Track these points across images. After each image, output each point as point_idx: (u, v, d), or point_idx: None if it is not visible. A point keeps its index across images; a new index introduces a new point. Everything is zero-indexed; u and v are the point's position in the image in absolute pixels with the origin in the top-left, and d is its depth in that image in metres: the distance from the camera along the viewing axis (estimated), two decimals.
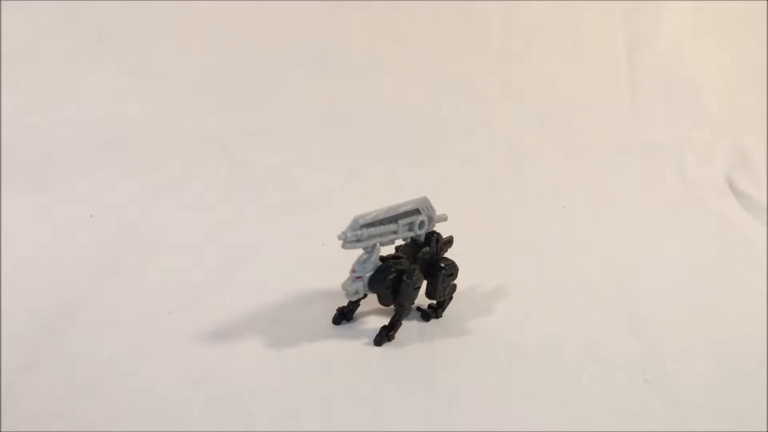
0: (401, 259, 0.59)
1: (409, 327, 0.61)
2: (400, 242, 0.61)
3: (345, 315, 0.61)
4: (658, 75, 1.12)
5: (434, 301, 0.63)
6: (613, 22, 1.13)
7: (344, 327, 0.61)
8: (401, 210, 0.58)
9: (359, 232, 0.54)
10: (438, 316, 0.63)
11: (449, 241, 0.65)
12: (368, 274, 0.57)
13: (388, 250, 0.61)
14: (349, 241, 0.54)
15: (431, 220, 0.61)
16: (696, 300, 0.68)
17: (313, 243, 0.76)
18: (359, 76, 1.10)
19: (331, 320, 0.61)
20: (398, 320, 0.59)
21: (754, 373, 0.56)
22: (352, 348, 0.58)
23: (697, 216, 0.93)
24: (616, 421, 0.49)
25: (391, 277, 0.58)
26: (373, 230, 0.56)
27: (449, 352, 0.58)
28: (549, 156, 1.06)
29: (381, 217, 0.56)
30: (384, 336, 0.58)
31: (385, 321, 0.60)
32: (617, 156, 1.07)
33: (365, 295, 0.59)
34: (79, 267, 0.72)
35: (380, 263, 0.58)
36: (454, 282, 0.63)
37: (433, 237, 0.62)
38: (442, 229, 0.63)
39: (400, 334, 0.59)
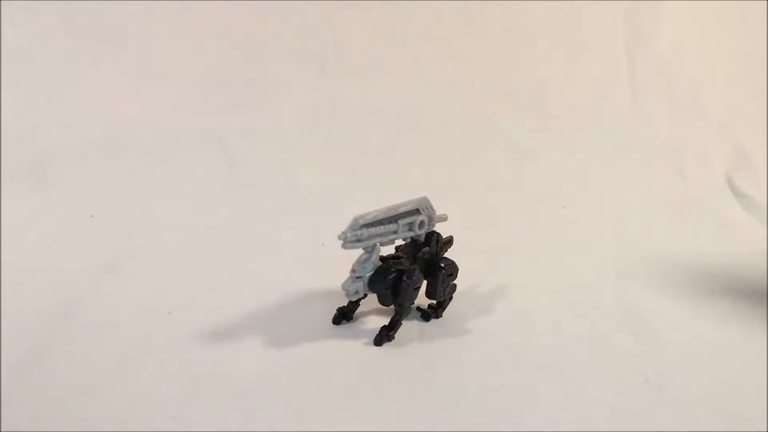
0: (401, 259, 0.59)
1: (409, 327, 0.61)
2: (400, 242, 0.61)
3: (345, 315, 0.61)
4: (658, 75, 1.13)
5: (434, 301, 0.63)
6: (613, 22, 1.13)
7: (344, 327, 0.61)
8: (401, 210, 0.58)
9: (359, 232, 0.54)
10: (438, 316, 0.63)
11: (449, 241, 0.65)
12: (368, 274, 0.57)
13: (388, 250, 0.61)
14: (349, 241, 0.54)
15: (431, 220, 0.61)
16: (696, 300, 0.68)
17: (313, 243, 0.76)
18: (359, 76, 1.10)
19: (331, 320, 0.61)
20: (398, 320, 0.59)
21: (754, 373, 0.56)
22: (352, 348, 0.58)
23: (697, 216, 0.93)
24: (616, 421, 0.49)
25: (391, 277, 0.57)
26: (373, 230, 0.55)
27: (449, 352, 0.58)
28: (549, 156, 1.06)
29: (381, 217, 0.56)
30: (384, 336, 0.58)
31: (385, 321, 0.60)
32: (617, 156, 1.07)
33: (365, 295, 0.59)
34: (79, 267, 0.72)
35: (380, 263, 0.58)
36: (454, 282, 0.63)
37: (433, 237, 0.62)
38: (442, 229, 0.63)
39: (400, 334, 0.59)
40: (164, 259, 0.75)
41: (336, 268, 0.59)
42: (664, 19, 1.13)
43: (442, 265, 0.61)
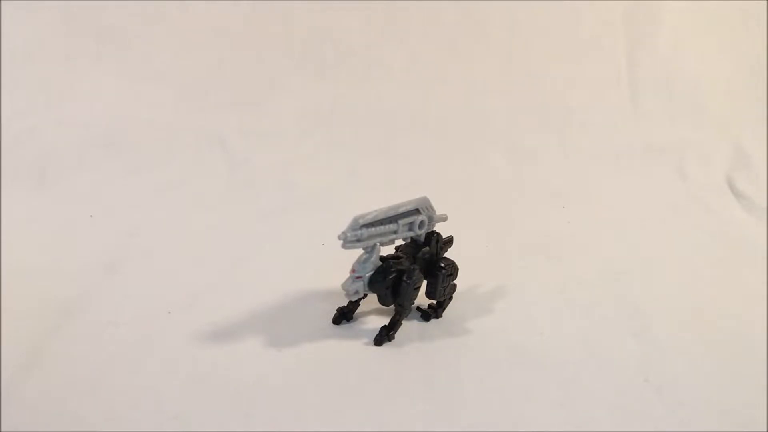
0: (401, 259, 0.59)
1: (409, 327, 0.61)
2: (400, 242, 0.61)
3: (345, 315, 0.61)
4: (658, 75, 1.12)
5: (434, 301, 0.63)
6: (613, 22, 1.13)
7: (344, 327, 0.61)
8: (401, 210, 0.58)
9: (359, 232, 0.54)
10: (438, 316, 0.63)
11: (449, 241, 0.65)
12: (368, 274, 0.57)
13: (388, 250, 0.61)
14: (349, 241, 0.54)
15: (431, 220, 0.61)
16: (696, 300, 0.68)
17: (313, 243, 0.76)
18: (359, 76, 1.10)
19: (331, 320, 0.61)
20: (398, 320, 0.59)
21: (754, 373, 0.56)
22: (352, 348, 0.58)
23: (697, 216, 0.93)
24: (616, 421, 0.49)
25: (391, 277, 0.57)
26: (373, 230, 0.55)
27: (449, 352, 0.58)
28: (549, 156, 1.06)
29: (381, 217, 0.56)
30: (384, 336, 0.58)
31: (385, 321, 0.60)
32: (617, 156, 1.07)
33: (365, 295, 0.59)
34: (79, 267, 0.72)
35: (380, 263, 0.58)
36: (454, 282, 0.63)
37: (433, 237, 0.62)
38: (442, 229, 0.63)
39: (400, 334, 0.59)
40: (164, 259, 0.75)
41: (336, 268, 0.59)
42: (664, 19, 1.13)
43: (442, 265, 0.61)
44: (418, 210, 0.60)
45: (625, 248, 0.81)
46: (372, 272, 0.57)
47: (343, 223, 0.55)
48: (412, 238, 0.61)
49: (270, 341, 0.58)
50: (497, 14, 1.11)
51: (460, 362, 0.56)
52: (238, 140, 1.05)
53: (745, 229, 0.89)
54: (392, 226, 0.57)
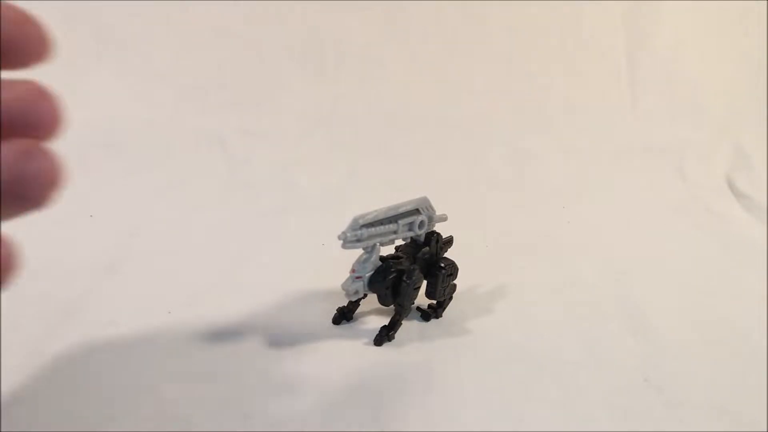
0: (401, 259, 0.59)
1: (409, 327, 0.61)
2: (400, 242, 0.61)
3: (345, 315, 0.61)
4: (658, 75, 1.13)
5: (434, 301, 0.63)
6: (613, 22, 1.13)
7: (344, 327, 0.61)
8: (401, 210, 0.58)
9: (359, 232, 0.54)
10: (438, 316, 0.63)
11: (449, 241, 0.65)
12: (368, 274, 0.57)
13: (388, 250, 0.61)
14: (349, 241, 0.54)
15: (431, 220, 0.61)
16: (696, 300, 0.68)
17: (313, 243, 0.76)
18: (359, 76, 1.10)
19: (331, 320, 0.61)
20: (398, 320, 0.59)
21: (754, 373, 0.56)
22: (352, 348, 0.58)
23: (697, 216, 0.93)
24: (616, 421, 0.49)
25: (391, 277, 0.57)
26: (373, 230, 0.55)
27: (449, 352, 0.58)
28: (549, 156, 1.06)
29: (381, 217, 0.56)
30: (384, 336, 0.58)
31: (385, 321, 0.60)
32: (617, 156, 1.07)
33: (365, 295, 0.59)
34: (79, 267, 0.72)
35: (380, 263, 0.58)
36: (454, 282, 0.63)
37: (433, 237, 0.62)
38: (442, 229, 0.63)
39: (400, 334, 0.59)
40: (164, 259, 0.75)
41: (336, 268, 0.59)
42: (664, 19, 1.13)
43: (442, 265, 0.61)
44: (418, 210, 0.60)
45: (625, 248, 0.81)
46: (372, 272, 0.57)
47: (343, 223, 0.55)
48: (412, 238, 0.61)
49: (270, 341, 0.58)
50: (497, 14, 1.11)
51: (460, 362, 0.56)
52: (238, 140, 1.05)
53: (745, 229, 0.89)
54: (392, 226, 0.57)
